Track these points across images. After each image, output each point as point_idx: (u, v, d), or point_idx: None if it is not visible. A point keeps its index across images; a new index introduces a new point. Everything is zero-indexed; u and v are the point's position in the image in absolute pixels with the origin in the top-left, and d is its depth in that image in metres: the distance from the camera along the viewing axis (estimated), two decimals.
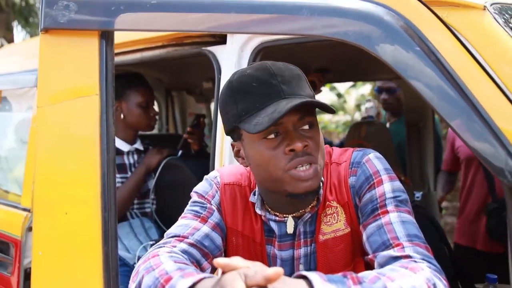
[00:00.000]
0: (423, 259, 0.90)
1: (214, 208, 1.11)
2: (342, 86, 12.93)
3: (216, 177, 1.16)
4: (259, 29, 0.95)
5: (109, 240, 0.84)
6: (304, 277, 0.75)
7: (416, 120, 2.78)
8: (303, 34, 0.83)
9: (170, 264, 0.89)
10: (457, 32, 0.84)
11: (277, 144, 0.97)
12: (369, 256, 0.99)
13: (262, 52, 1.50)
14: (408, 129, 2.84)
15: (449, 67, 0.80)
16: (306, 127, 0.98)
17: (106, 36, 0.91)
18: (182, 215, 1.12)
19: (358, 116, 13.05)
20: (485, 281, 1.50)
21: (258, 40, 1.49)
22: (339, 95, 13.23)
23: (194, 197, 1.14)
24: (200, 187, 1.15)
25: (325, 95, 13.21)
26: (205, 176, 1.18)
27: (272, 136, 0.97)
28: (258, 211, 1.09)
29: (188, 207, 1.13)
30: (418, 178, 2.78)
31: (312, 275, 0.74)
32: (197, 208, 1.10)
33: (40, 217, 0.87)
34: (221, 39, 1.61)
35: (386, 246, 0.95)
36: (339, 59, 2.18)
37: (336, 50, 1.90)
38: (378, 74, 2.85)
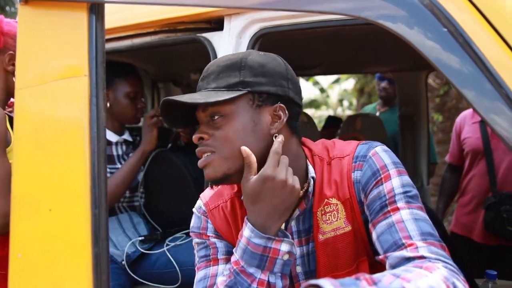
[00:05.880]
0: (437, 259, 0.84)
1: (214, 240, 1.08)
2: (325, 81, 12.87)
3: (200, 207, 1.13)
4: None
5: (100, 240, 0.74)
6: (315, 286, 0.68)
7: (411, 113, 2.74)
8: (321, 11, 0.75)
9: None
10: (486, 13, 0.77)
11: None
12: (380, 257, 0.92)
13: (261, 39, 1.41)
14: (402, 122, 2.80)
15: (479, 52, 0.73)
16: (215, 117, 0.96)
17: (96, 9, 0.80)
18: (196, 265, 1.09)
19: (340, 111, 13.06)
20: (484, 276, 1.46)
21: (257, 26, 1.40)
22: (322, 90, 13.19)
23: (193, 237, 1.12)
24: (193, 224, 1.13)
25: (308, 90, 13.16)
26: (193, 209, 1.15)
27: None
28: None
29: (195, 252, 1.11)
30: (412, 172, 2.74)
31: (324, 282, 0.67)
32: (202, 252, 1.09)
33: (19, 214, 0.76)
34: (217, 25, 1.51)
35: (398, 246, 0.89)
36: (340, 49, 2.09)
37: (339, 39, 1.82)
38: (377, 66, 2.81)
